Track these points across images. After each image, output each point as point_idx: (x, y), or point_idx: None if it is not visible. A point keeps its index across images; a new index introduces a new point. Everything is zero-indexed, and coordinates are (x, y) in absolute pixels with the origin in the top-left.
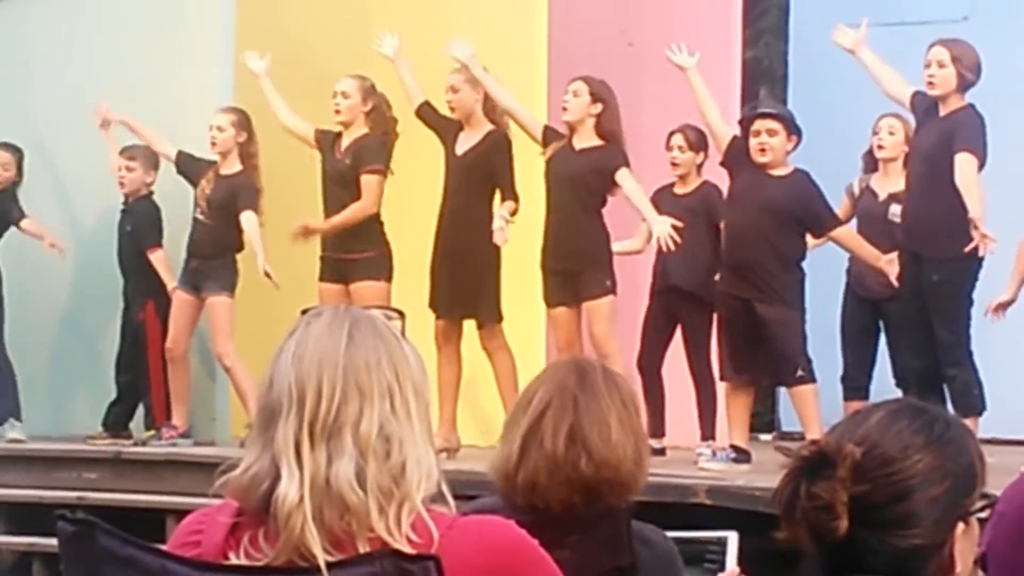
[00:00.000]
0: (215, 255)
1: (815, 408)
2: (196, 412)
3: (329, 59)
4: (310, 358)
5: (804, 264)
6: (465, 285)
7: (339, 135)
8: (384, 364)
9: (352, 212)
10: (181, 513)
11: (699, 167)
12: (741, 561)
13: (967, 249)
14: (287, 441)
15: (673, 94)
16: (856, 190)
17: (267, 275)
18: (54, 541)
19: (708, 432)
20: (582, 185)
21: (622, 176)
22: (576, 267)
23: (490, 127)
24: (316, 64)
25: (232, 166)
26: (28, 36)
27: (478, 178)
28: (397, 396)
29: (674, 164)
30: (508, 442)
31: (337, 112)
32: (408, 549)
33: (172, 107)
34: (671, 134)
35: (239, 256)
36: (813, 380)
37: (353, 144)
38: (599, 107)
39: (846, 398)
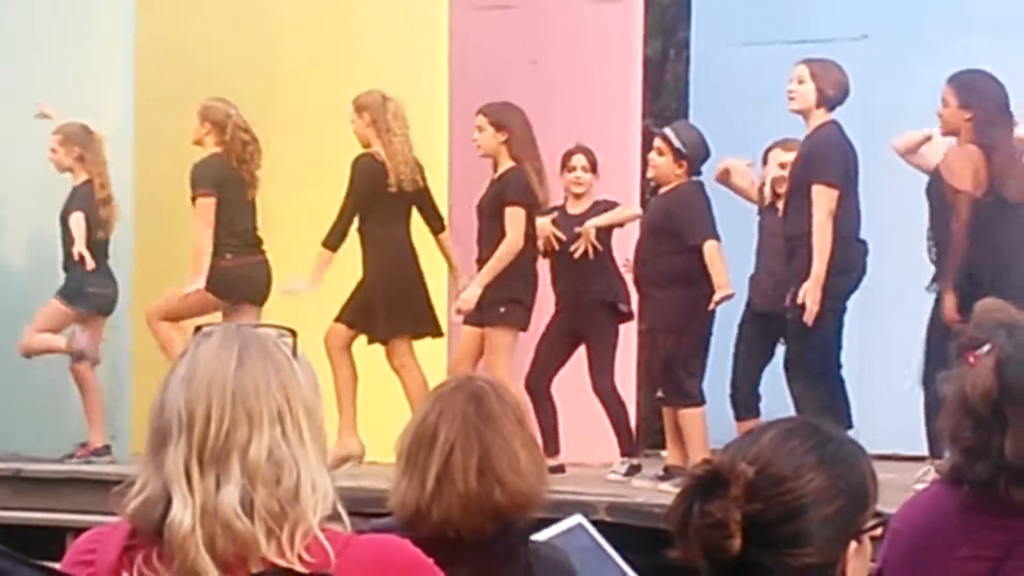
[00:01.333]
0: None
1: (698, 431)
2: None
3: (235, 76)
4: (199, 382)
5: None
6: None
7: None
8: (274, 387)
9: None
10: (81, 531)
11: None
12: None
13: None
14: (177, 467)
15: (579, 110)
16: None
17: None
18: None
19: (627, 448)
20: (492, 212)
21: (508, 211)
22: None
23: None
24: (220, 80)
25: (79, 177)
26: None
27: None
28: (288, 419)
29: (577, 183)
30: (417, 478)
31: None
32: (301, 569)
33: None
34: (569, 154)
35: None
36: (687, 403)
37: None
38: (504, 135)
39: (737, 417)
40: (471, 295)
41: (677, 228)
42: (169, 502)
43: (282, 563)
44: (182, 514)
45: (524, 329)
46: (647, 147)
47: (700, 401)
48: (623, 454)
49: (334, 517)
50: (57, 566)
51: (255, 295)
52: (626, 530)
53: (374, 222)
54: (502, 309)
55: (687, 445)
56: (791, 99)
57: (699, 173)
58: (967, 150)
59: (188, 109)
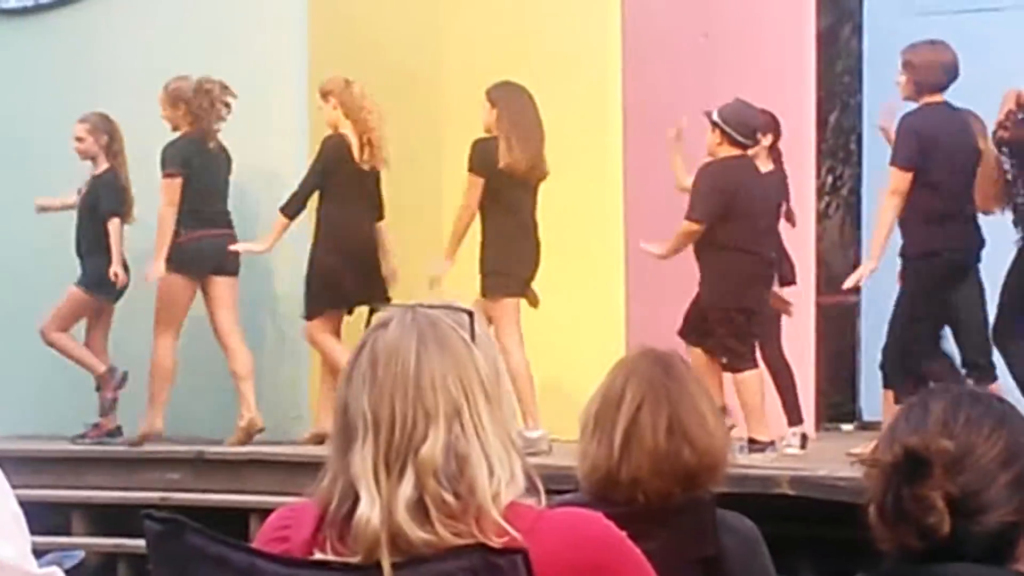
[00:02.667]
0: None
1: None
2: (280, 410)
3: (402, 57)
4: (380, 382)
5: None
6: None
7: None
8: (450, 381)
9: None
10: (264, 512)
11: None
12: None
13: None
14: (365, 466)
15: (751, 84)
16: None
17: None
18: (139, 542)
19: (795, 418)
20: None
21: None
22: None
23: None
24: (389, 61)
25: (100, 166)
26: (108, 37)
27: None
28: (465, 411)
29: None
30: (605, 440)
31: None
32: (496, 543)
33: (253, 105)
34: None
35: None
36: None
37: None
38: (494, 112)
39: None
40: (443, 267)
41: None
42: (357, 499)
43: (473, 541)
44: (369, 512)
45: (514, 295)
46: (821, 121)
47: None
48: (791, 423)
49: (530, 491)
50: (251, 545)
51: (217, 267)
52: (810, 503)
53: (332, 203)
54: (485, 281)
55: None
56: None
57: None
58: None
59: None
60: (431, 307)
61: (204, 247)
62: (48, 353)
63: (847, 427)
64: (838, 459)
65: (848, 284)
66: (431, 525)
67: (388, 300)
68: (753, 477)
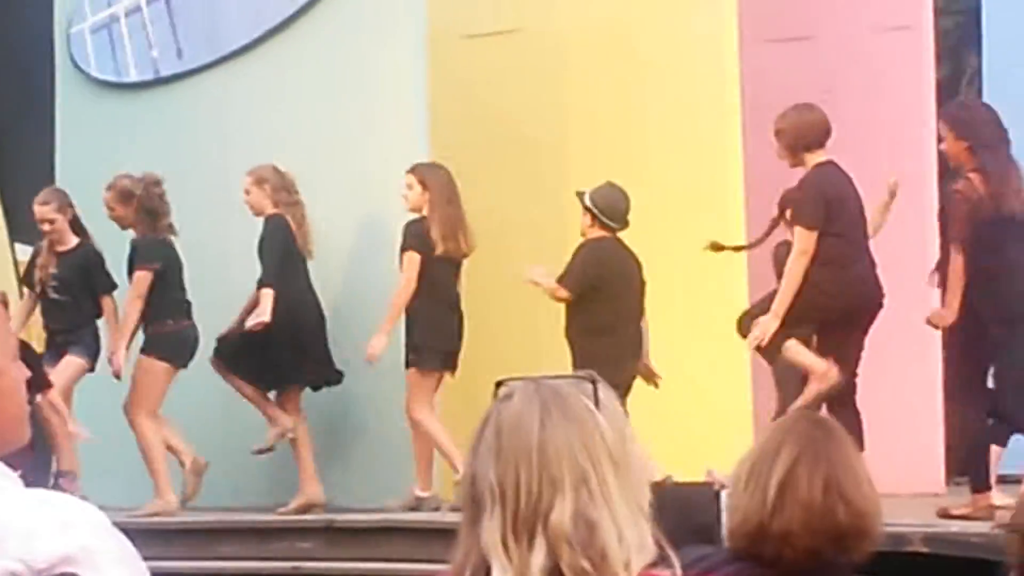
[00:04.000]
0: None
1: None
2: (406, 475)
3: (523, 111)
4: (506, 453)
5: None
6: None
7: None
8: (576, 449)
9: None
10: None
11: None
12: None
13: None
14: (493, 538)
15: (873, 138)
16: None
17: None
18: None
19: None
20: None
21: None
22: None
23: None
24: (510, 116)
25: (69, 244)
26: (230, 104)
27: None
28: (592, 479)
29: None
30: (759, 491)
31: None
32: None
33: (374, 163)
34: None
35: None
36: None
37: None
38: (425, 194)
39: None
40: (378, 342)
41: None
42: (488, 571)
43: None
44: None
45: (437, 371)
46: (943, 173)
47: None
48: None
49: (662, 561)
50: None
51: (193, 355)
52: (944, 561)
53: (280, 281)
54: (409, 356)
55: None
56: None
57: None
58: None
59: (477, 145)
60: (554, 377)
61: (188, 335)
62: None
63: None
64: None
65: (752, 343)
66: None
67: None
68: (886, 534)
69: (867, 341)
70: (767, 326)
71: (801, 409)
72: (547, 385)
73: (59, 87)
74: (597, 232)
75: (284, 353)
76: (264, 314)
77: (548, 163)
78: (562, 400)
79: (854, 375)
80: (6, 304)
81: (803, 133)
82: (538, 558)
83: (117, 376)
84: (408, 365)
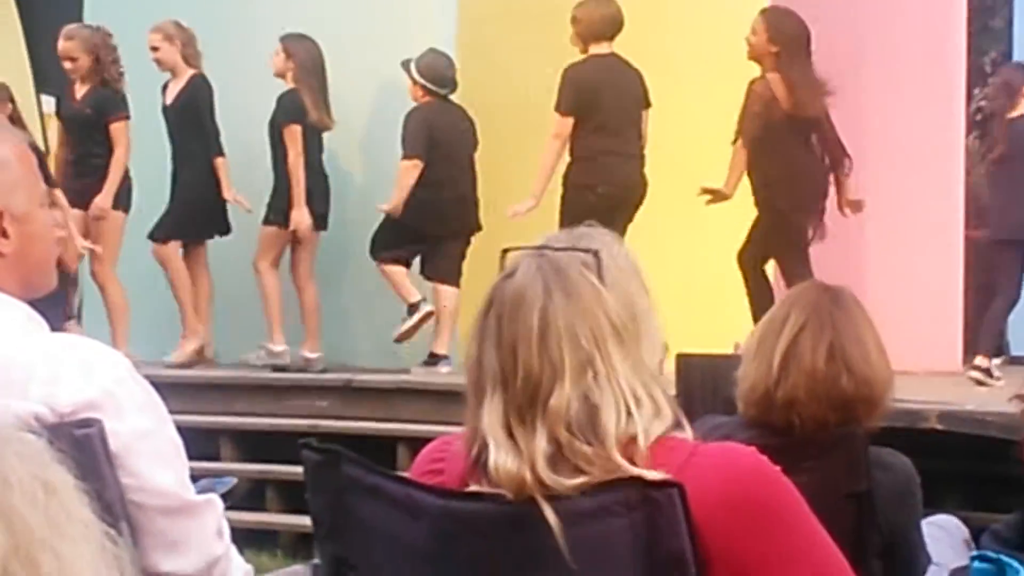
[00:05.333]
0: None
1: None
2: (424, 337)
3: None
4: (507, 339)
5: None
6: None
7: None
8: (578, 332)
9: None
10: (411, 441)
11: None
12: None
13: None
14: (492, 421)
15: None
16: None
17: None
18: (287, 468)
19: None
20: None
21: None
22: None
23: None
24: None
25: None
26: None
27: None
28: (596, 360)
29: None
30: (765, 360)
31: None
32: (651, 477)
33: (401, 37)
34: None
35: None
36: None
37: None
38: (292, 62)
39: None
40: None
41: None
42: (490, 452)
43: (626, 474)
44: (503, 461)
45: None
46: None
47: None
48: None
49: (677, 426)
50: (407, 476)
51: None
52: (959, 439)
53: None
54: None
55: None
56: None
57: None
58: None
59: (511, 25)
60: (557, 249)
61: None
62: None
63: (996, 361)
64: (988, 393)
65: (510, 213)
66: (577, 473)
67: None
68: (901, 411)
69: (888, 222)
70: (527, 204)
71: (814, 280)
72: (549, 260)
73: None
74: (428, 96)
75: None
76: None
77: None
78: (565, 278)
79: None
80: (35, 150)
81: (595, 24)
82: (540, 442)
83: None
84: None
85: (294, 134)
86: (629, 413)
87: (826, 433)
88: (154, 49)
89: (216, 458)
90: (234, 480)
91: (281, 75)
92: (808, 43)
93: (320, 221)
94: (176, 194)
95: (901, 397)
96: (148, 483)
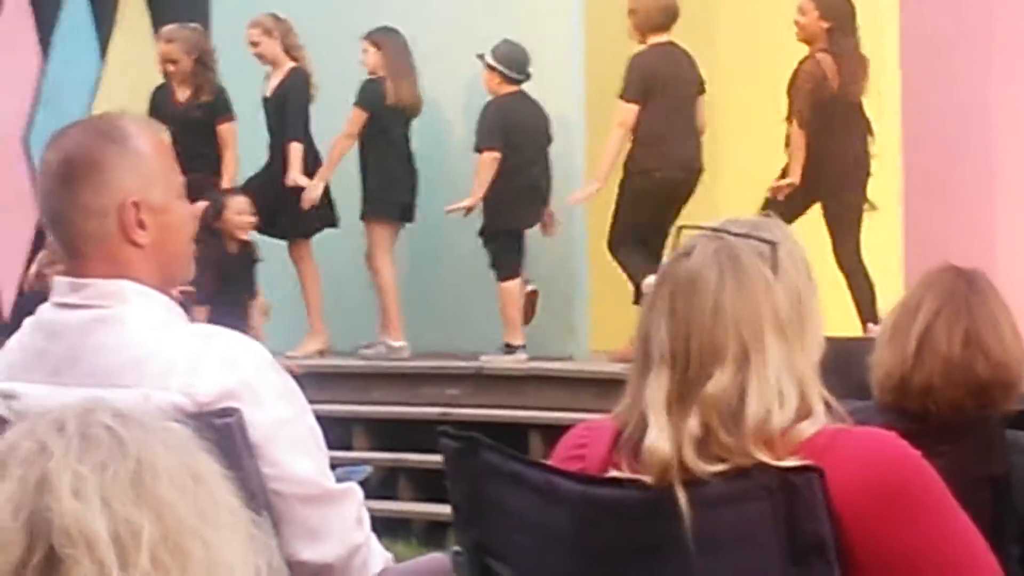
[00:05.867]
0: None
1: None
2: (553, 324)
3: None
4: (678, 317)
5: None
6: None
7: None
8: (744, 321)
9: None
10: (543, 428)
11: None
12: None
13: None
14: (656, 397)
15: None
16: None
17: None
18: (419, 456)
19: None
20: None
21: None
22: None
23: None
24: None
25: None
26: None
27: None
28: (754, 350)
29: None
30: (899, 346)
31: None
32: (792, 463)
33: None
34: None
35: None
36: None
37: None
38: (379, 54)
39: None
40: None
41: None
42: (647, 428)
43: (764, 462)
44: (657, 441)
45: (392, 220)
46: None
47: None
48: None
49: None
50: (547, 463)
51: None
52: None
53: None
54: (367, 206)
55: None
56: None
57: None
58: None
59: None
60: (736, 234)
61: None
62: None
63: None
64: None
65: (574, 199)
66: (718, 460)
67: None
68: None
69: (1019, 201)
70: (590, 189)
71: (947, 262)
72: (726, 246)
73: None
74: (506, 88)
75: None
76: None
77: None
78: (739, 266)
79: None
80: (204, 111)
81: (652, 15)
82: (692, 425)
83: None
84: (364, 216)
85: (355, 117)
86: (770, 411)
87: (962, 417)
88: (254, 44)
89: (349, 447)
90: (369, 469)
91: (374, 71)
92: (855, 20)
93: (407, 212)
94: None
95: None
96: (288, 472)
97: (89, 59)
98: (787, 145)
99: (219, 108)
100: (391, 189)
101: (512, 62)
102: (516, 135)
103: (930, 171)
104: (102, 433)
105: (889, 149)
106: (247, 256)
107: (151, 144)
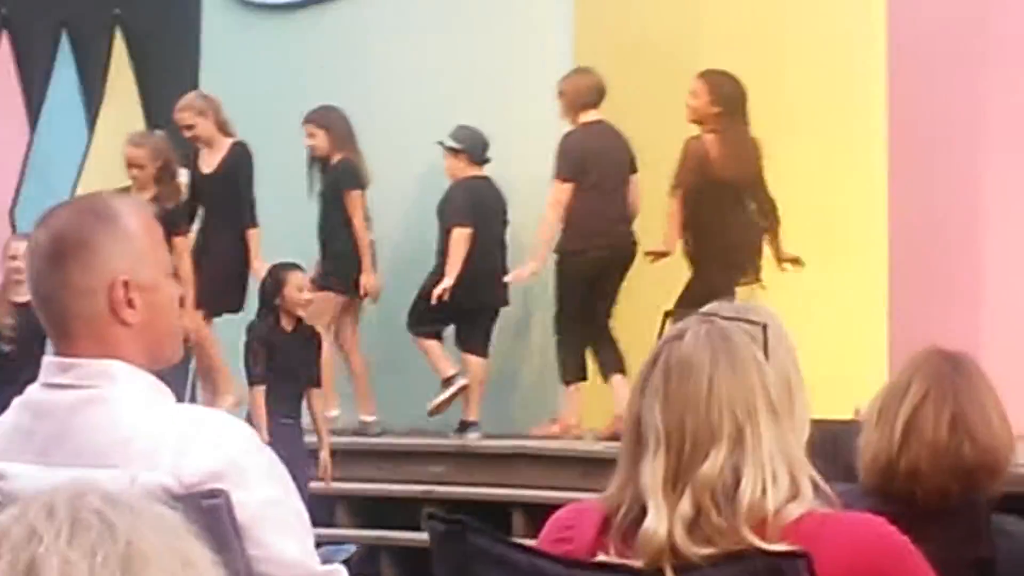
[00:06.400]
0: None
1: None
2: (534, 403)
3: (669, 55)
4: (673, 400)
5: None
6: None
7: None
8: (737, 403)
9: None
10: (527, 506)
11: None
12: None
13: None
14: (655, 480)
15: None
16: None
17: None
18: (401, 534)
19: None
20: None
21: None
22: None
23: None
24: (657, 60)
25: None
26: (375, 29)
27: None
28: (747, 431)
29: None
30: (886, 429)
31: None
32: (779, 548)
33: (516, 104)
34: None
35: None
36: None
37: None
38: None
39: None
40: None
41: None
42: (644, 510)
43: (753, 547)
44: (656, 525)
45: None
46: None
47: None
48: None
49: (818, 495)
50: (533, 546)
51: None
52: None
53: None
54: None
55: None
56: None
57: None
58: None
59: (625, 89)
60: (726, 318)
61: None
62: None
63: None
64: None
65: (511, 277)
66: (708, 542)
67: None
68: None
69: (1004, 282)
70: (525, 269)
71: (934, 345)
72: (718, 328)
73: (204, 7)
74: (471, 170)
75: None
76: None
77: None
78: (731, 348)
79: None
80: (162, 220)
81: (581, 94)
82: (684, 506)
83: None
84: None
85: (357, 200)
86: (764, 491)
87: (949, 501)
88: (188, 127)
89: (332, 524)
90: (353, 548)
91: (324, 154)
92: (745, 105)
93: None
94: (204, 266)
95: (1022, 462)
96: (275, 554)
97: (77, 132)
98: (669, 217)
99: (176, 219)
100: (346, 263)
101: (476, 145)
102: (484, 214)
103: (917, 251)
104: (92, 518)
105: (876, 232)
106: (305, 337)
107: (141, 223)
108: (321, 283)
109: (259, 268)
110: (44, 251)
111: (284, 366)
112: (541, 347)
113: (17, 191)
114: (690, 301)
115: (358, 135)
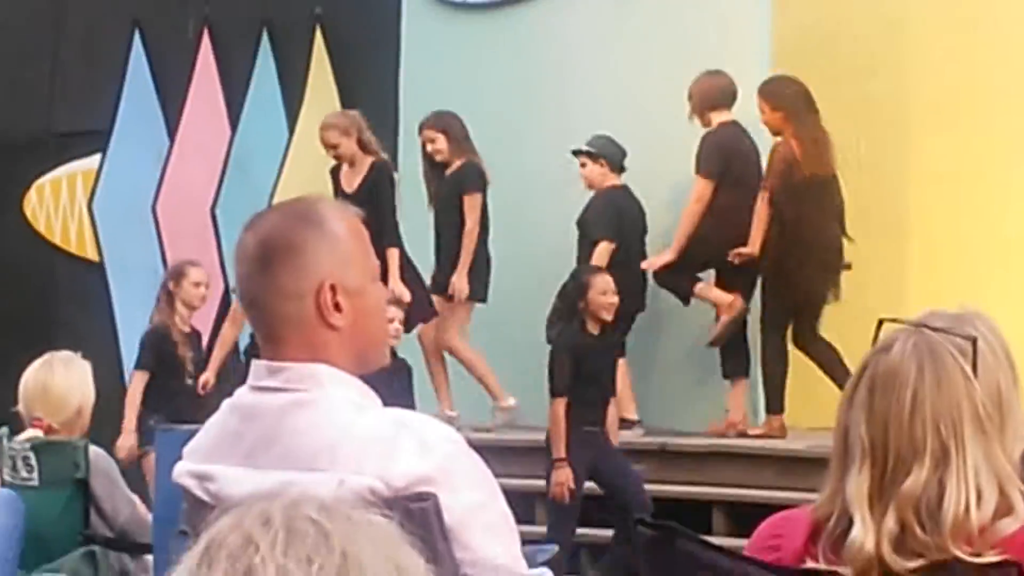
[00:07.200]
0: None
1: None
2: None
3: (863, 55)
4: (878, 413)
5: None
6: None
7: None
8: (942, 419)
9: None
10: (726, 504)
11: None
12: None
13: None
14: (860, 492)
15: None
16: None
17: None
18: (599, 531)
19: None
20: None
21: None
22: None
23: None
24: (852, 64)
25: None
26: (566, 32)
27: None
28: (952, 447)
29: None
30: None
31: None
32: (991, 559)
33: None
34: None
35: None
36: None
37: None
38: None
39: None
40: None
41: None
42: (851, 521)
43: (965, 557)
44: (862, 538)
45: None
46: None
47: None
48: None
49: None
50: (742, 553)
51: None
52: None
53: None
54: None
55: None
56: None
57: None
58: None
59: (824, 93)
60: (935, 329)
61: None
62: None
63: None
64: None
65: (644, 265)
66: (916, 556)
67: None
68: None
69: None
70: (660, 258)
71: None
72: (926, 341)
73: (405, 6)
74: (611, 179)
75: None
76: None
77: (889, 108)
78: (938, 362)
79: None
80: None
81: (710, 95)
82: (889, 523)
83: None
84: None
85: (477, 202)
86: (967, 509)
87: None
88: (332, 146)
89: (532, 522)
90: (555, 548)
91: (445, 158)
92: (810, 99)
93: (483, 291)
94: None
95: None
96: (482, 557)
97: (278, 130)
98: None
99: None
100: (476, 269)
101: (615, 153)
102: (626, 226)
103: None
104: (308, 527)
105: None
106: (611, 342)
107: (347, 227)
108: (439, 290)
109: (395, 287)
110: (252, 255)
111: (590, 371)
112: (681, 345)
113: (218, 189)
114: (783, 305)
115: (550, 134)
